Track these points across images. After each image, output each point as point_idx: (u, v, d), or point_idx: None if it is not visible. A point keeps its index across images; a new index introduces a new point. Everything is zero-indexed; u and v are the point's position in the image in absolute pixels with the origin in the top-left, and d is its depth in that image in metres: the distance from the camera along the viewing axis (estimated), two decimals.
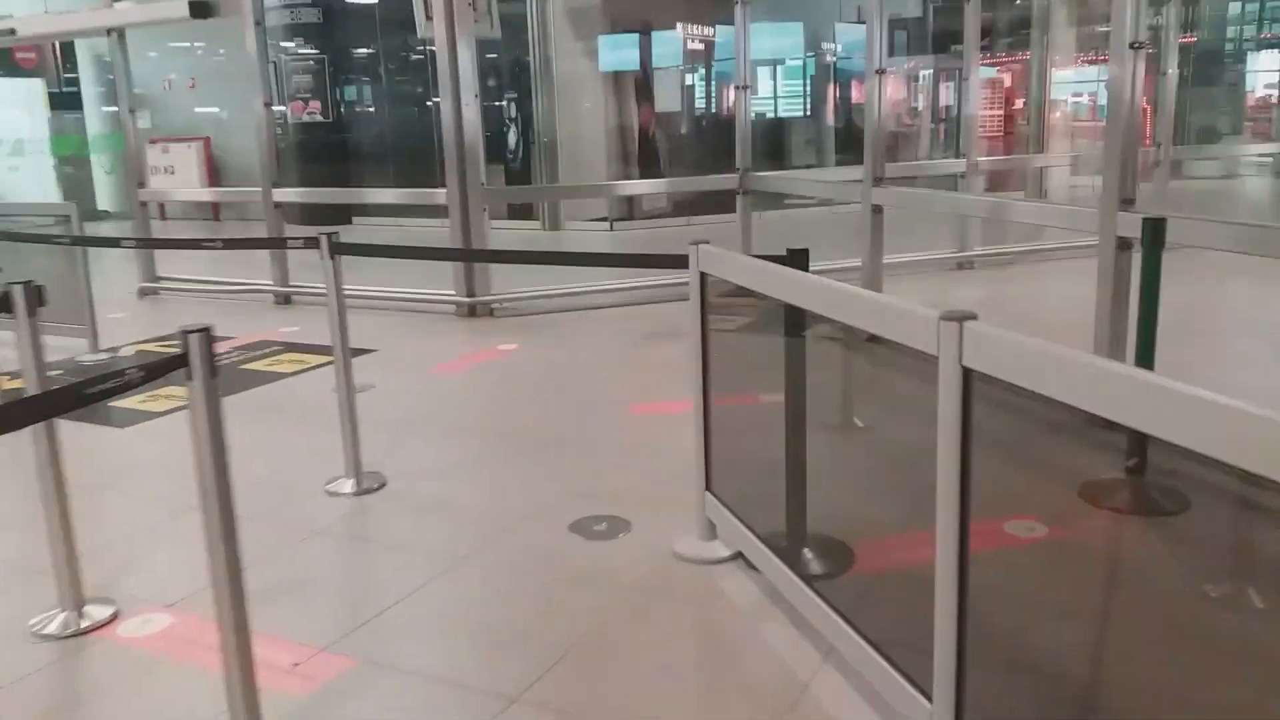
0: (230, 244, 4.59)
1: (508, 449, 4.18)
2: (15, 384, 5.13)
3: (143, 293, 8.08)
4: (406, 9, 7.00)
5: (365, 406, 4.19)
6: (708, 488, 2.99)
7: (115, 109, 14.01)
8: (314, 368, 5.63)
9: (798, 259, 2.72)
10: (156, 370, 2.12)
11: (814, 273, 2.45)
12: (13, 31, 8.03)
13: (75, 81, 15.02)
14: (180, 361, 2.05)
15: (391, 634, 2.67)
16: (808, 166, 14.07)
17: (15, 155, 15.76)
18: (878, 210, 5.93)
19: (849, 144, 13.73)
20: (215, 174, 14.00)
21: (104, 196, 14.79)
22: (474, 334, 6.40)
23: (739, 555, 2.89)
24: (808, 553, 2.73)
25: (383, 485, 3.76)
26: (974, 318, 1.65)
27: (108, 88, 13.96)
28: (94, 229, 13.56)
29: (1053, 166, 11.10)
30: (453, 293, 6.82)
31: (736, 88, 7.62)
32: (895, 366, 3.48)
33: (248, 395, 5.17)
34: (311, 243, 3.60)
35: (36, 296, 2.61)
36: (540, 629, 2.64)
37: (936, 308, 1.73)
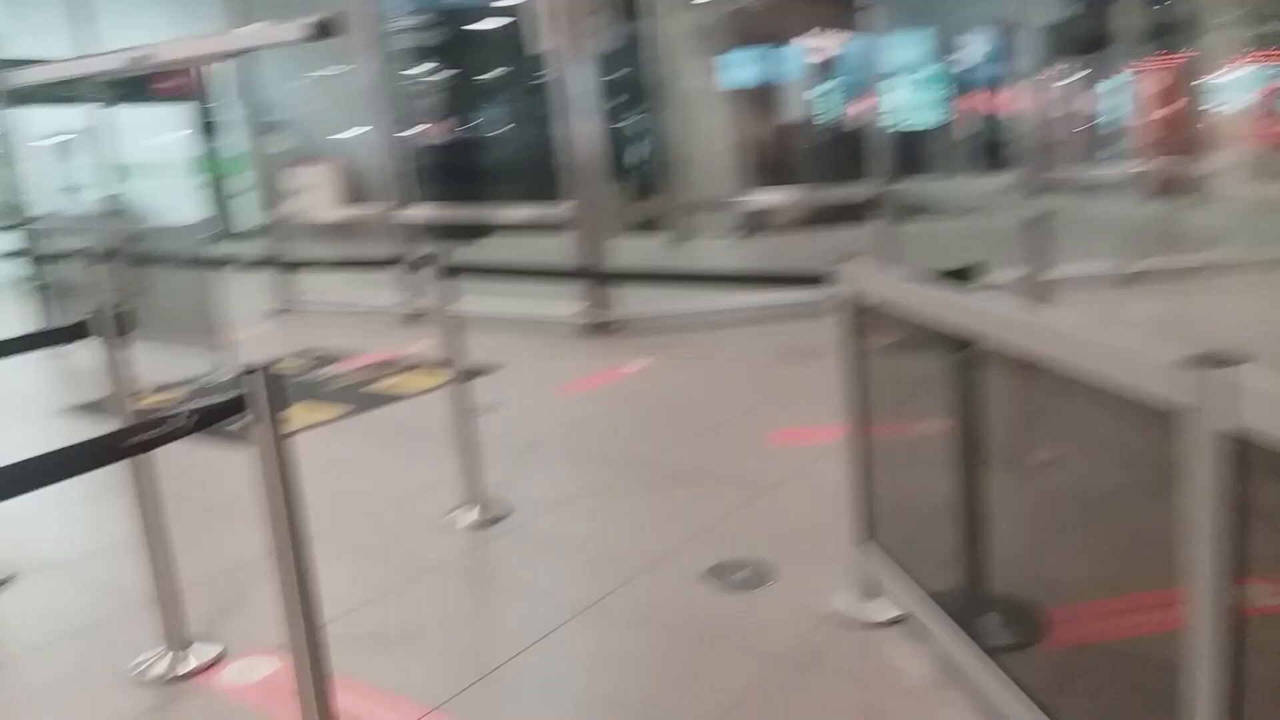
0: (341, 265, 4.47)
1: (635, 479, 3.89)
2: (156, 399, 5.21)
3: (275, 311, 8.17)
4: (533, 26, 6.87)
5: (489, 428, 3.97)
6: (868, 536, 2.62)
7: (265, 130, 14.76)
8: (442, 387, 5.49)
9: (966, 274, 2.35)
10: (211, 416, 1.92)
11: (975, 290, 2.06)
12: (146, 58, 8.27)
13: (220, 106, 15.63)
14: (237, 406, 1.84)
15: (505, 696, 2.40)
16: (946, 176, 13.43)
17: (166, 177, 16.54)
18: (1042, 219, 5.41)
19: (987, 152, 13.04)
20: (355, 193, 14.30)
21: (245, 216, 15.31)
22: (600, 352, 6.15)
23: (906, 618, 2.50)
24: (991, 618, 2.32)
25: (504, 516, 3.51)
26: (1243, 362, 1.25)
27: (252, 111, 14.52)
28: (231, 248, 14.15)
29: (1224, 170, 10.21)
30: (578, 309, 6.61)
31: (868, 97, 7.21)
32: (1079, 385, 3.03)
33: (371, 417, 5.05)
34: (422, 263, 3.40)
35: (125, 321, 2.45)
36: (670, 703, 2.32)
37: (1140, 332, 1.33)
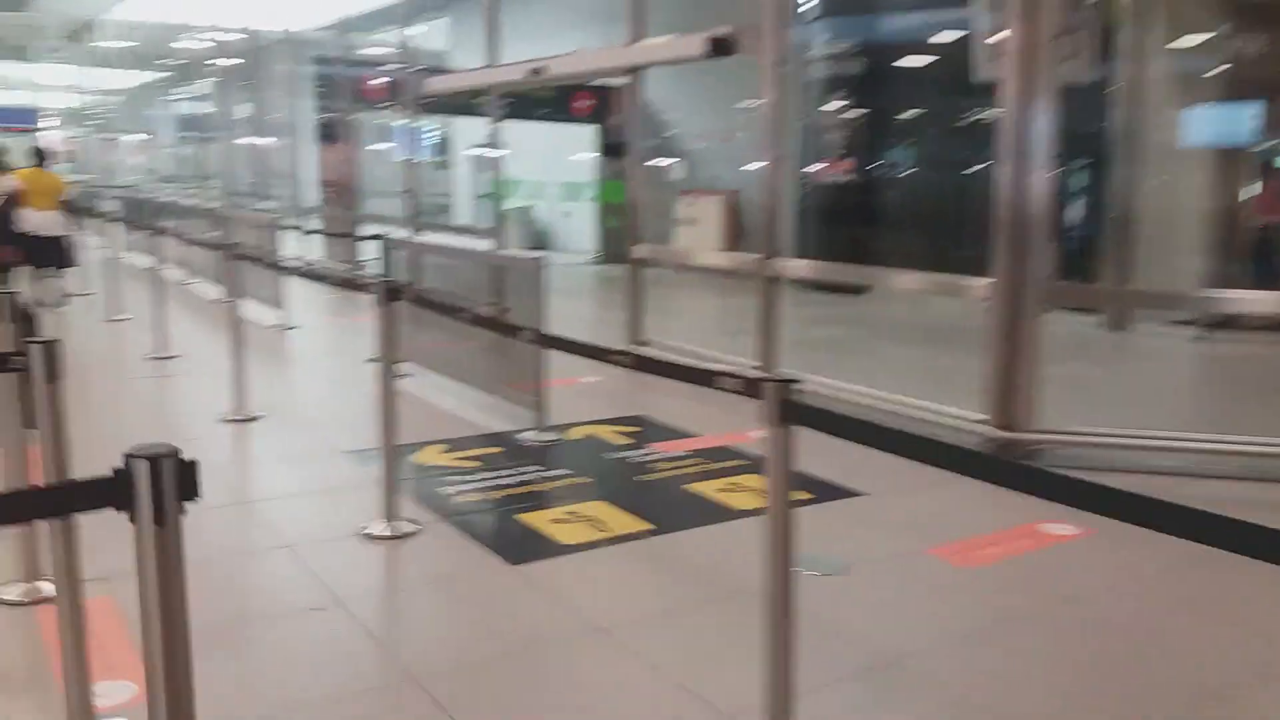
0: (642, 366, 3.21)
1: None
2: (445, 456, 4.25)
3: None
4: (965, 61, 5.34)
5: (822, 610, 2.55)
6: None
7: (659, 157, 14.37)
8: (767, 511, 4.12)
9: None
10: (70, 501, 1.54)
11: None
12: (539, 72, 7.74)
13: (622, 129, 15.49)
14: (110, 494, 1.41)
15: None
16: None
17: (568, 200, 16.76)
18: None
19: None
20: (738, 231, 13.42)
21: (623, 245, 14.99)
22: (1007, 495, 4.45)
23: None
24: None
25: None
26: None
27: (648, 135, 14.21)
28: (612, 275, 13.83)
29: None
30: (978, 415, 4.93)
31: None
32: None
33: (676, 542, 3.79)
34: (752, 390, 2.05)
35: None
36: None
37: None
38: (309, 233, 13.30)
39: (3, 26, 26.19)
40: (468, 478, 4.46)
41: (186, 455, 1.52)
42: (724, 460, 4.75)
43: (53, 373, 2.41)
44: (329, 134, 16.79)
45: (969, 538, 3.78)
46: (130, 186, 22.58)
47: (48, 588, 3.00)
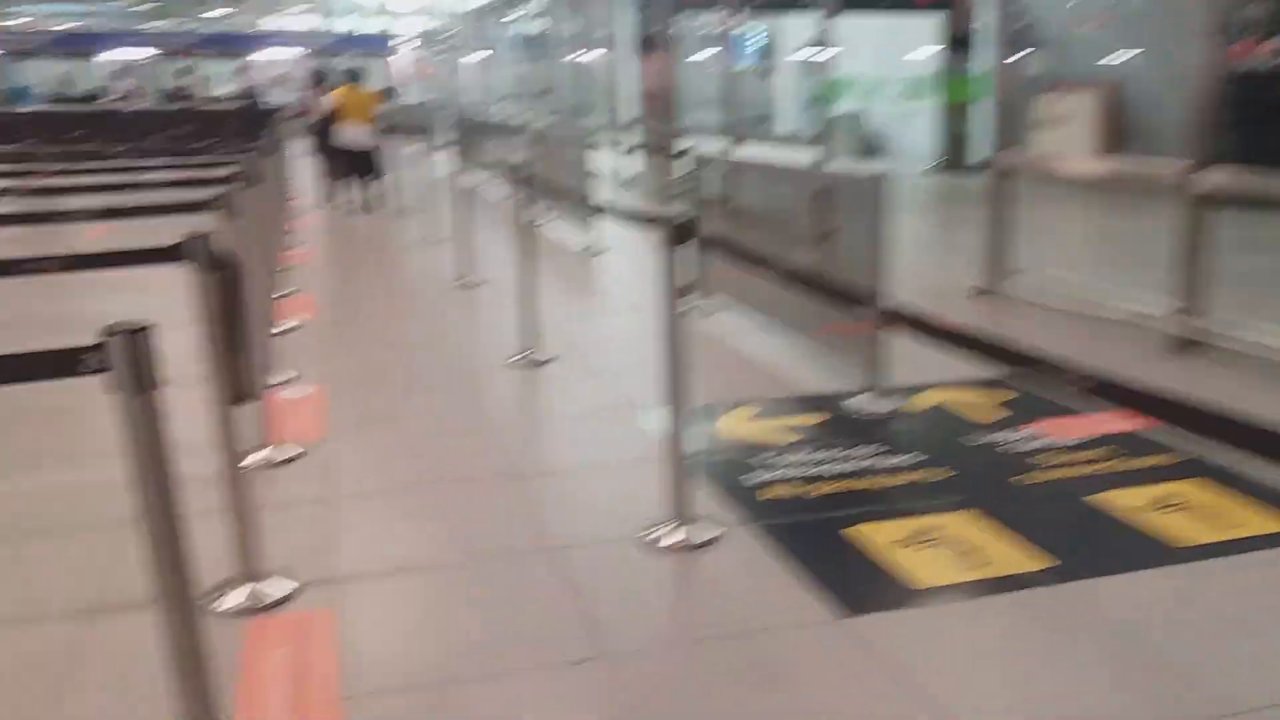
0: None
1: None
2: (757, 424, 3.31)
3: (976, 291, 5.86)
4: None
5: None
6: None
7: (1019, 48, 12.20)
8: (1172, 508, 2.73)
9: None
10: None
11: None
12: None
13: (973, 18, 13.41)
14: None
15: None
16: None
17: (908, 99, 14.93)
18: None
19: None
20: (1120, 134, 11.15)
21: (977, 149, 13.05)
22: None
23: None
24: None
25: None
26: None
27: (1006, 23, 12.06)
28: (955, 186, 12.04)
29: None
30: None
31: None
32: None
33: (1084, 592, 2.53)
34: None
35: None
36: None
37: None
38: (628, 151, 12.69)
39: None
40: (781, 461, 3.42)
41: None
42: (1146, 455, 3.36)
43: (143, 382, 1.64)
44: (649, 45, 16.03)
45: None
46: (464, 106, 23.37)
47: None
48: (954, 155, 13.38)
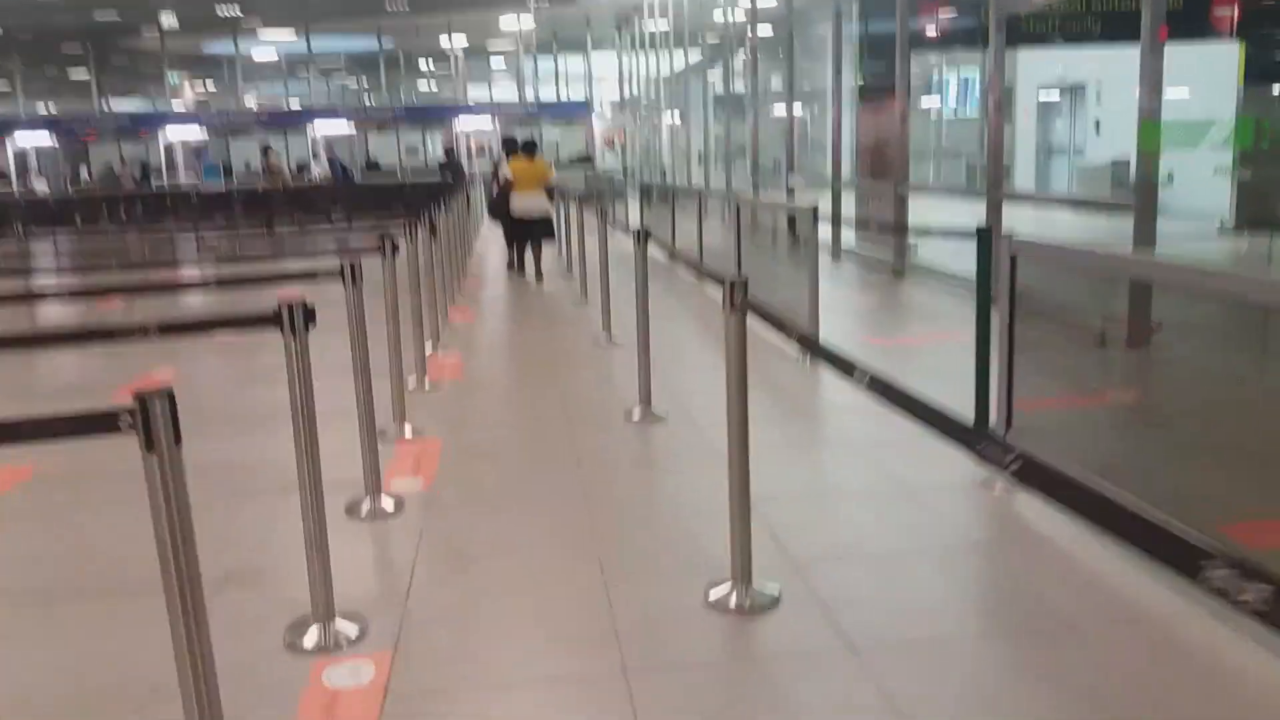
0: None
1: None
2: None
3: None
4: None
5: None
6: None
7: None
8: None
9: None
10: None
11: None
12: None
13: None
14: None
15: None
16: None
17: (1183, 146, 12.20)
18: None
19: None
20: None
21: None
22: None
23: None
24: None
25: None
26: None
27: None
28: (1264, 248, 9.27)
29: None
30: None
31: None
32: None
33: None
34: None
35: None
36: None
37: None
38: (835, 224, 10.90)
39: (560, 20, 27.67)
40: None
41: None
42: None
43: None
44: (870, 93, 13.97)
45: None
46: (655, 170, 22.24)
47: None
48: (1255, 209, 10.71)
